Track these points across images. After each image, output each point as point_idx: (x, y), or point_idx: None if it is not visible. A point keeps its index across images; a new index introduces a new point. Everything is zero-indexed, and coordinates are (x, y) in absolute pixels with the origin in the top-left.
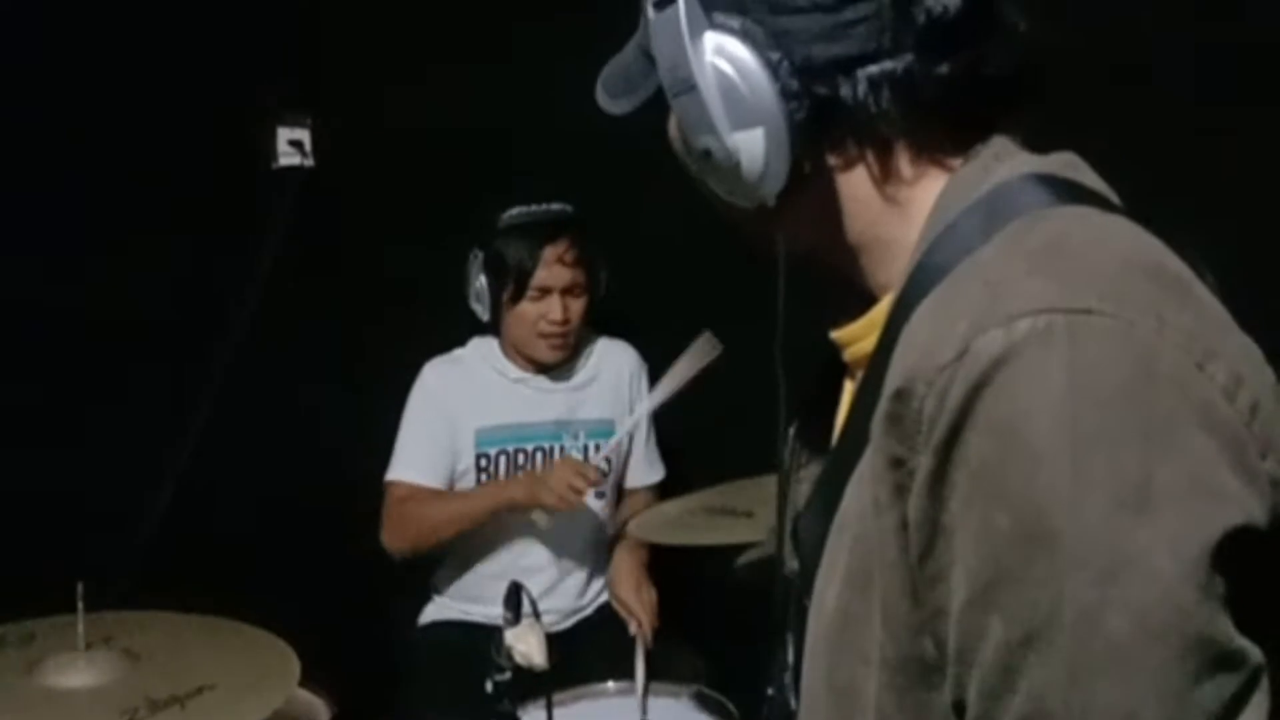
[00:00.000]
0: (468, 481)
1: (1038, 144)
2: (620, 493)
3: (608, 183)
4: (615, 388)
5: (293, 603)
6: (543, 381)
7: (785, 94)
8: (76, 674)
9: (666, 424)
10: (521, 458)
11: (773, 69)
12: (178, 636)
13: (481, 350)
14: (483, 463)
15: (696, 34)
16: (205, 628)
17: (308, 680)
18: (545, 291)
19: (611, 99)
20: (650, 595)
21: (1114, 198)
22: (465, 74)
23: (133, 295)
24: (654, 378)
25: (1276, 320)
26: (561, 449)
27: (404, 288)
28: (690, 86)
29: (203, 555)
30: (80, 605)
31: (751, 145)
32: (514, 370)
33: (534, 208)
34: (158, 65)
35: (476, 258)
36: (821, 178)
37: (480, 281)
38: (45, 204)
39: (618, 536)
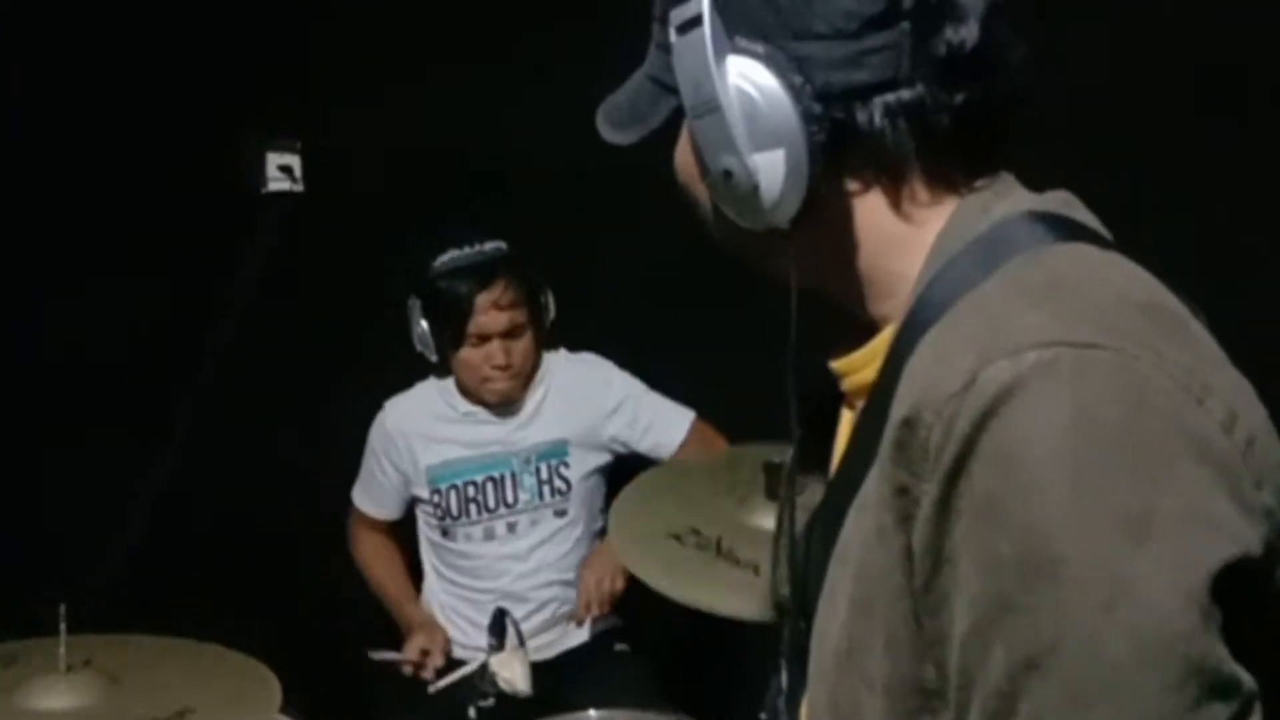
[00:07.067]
0: (424, 517)
1: (1035, 181)
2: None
3: (602, 197)
4: (568, 402)
5: (272, 628)
6: (489, 415)
7: (806, 116)
8: (58, 696)
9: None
10: (472, 490)
11: (795, 92)
12: (159, 659)
13: (436, 386)
14: (435, 499)
15: (720, 57)
16: (186, 651)
17: (286, 706)
18: (484, 338)
19: (616, 129)
20: (613, 586)
21: (1107, 235)
22: (461, 91)
23: (116, 319)
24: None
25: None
26: (513, 475)
27: (387, 311)
28: (714, 107)
29: (183, 580)
30: (63, 627)
31: (772, 166)
32: (464, 404)
33: (465, 249)
34: (142, 88)
35: (415, 304)
36: (836, 203)
37: (422, 326)
38: (32, 225)
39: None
